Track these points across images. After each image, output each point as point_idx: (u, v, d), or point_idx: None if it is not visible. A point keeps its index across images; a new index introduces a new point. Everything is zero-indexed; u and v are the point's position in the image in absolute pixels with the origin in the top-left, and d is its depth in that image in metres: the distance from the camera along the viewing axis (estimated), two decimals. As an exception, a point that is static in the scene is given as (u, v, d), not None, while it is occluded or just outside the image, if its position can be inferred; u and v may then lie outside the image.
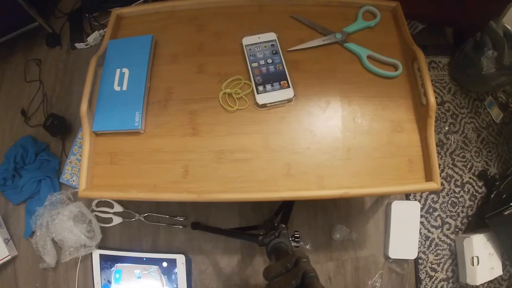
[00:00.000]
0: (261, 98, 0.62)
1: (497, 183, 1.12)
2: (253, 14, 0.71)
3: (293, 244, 0.65)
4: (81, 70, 1.23)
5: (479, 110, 1.23)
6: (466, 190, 1.15)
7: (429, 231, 1.11)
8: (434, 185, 0.58)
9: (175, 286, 1.00)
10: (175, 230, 1.07)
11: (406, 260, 1.07)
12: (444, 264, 1.09)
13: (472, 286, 1.04)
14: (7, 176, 1.07)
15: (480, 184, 1.16)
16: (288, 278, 0.39)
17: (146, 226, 1.07)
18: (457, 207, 1.14)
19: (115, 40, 0.69)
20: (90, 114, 0.63)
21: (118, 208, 1.08)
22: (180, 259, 1.00)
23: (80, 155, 1.05)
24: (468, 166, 1.17)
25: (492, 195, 1.10)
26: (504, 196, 1.06)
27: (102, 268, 1.01)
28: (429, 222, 1.11)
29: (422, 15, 1.15)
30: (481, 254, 1.02)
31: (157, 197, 0.60)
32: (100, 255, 1.02)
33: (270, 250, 0.59)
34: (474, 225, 1.13)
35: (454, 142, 1.18)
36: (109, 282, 1.01)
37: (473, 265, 1.02)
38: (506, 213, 1.00)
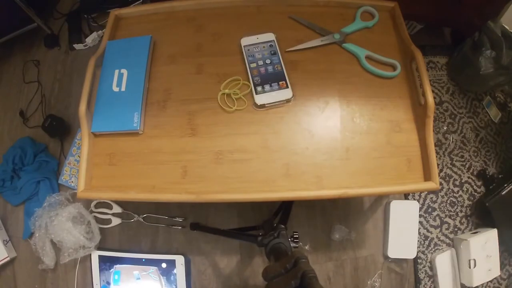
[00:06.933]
0: (260, 99, 0.62)
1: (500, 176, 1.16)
2: (251, 15, 0.71)
3: (292, 244, 0.65)
4: (80, 71, 1.23)
5: (477, 110, 1.23)
6: (465, 189, 1.16)
7: (428, 230, 1.11)
8: (432, 184, 0.58)
9: (174, 287, 1.00)
10: (174, 231, 1.07)
11: (405, 260, 1.07)
12: (443, 263, 1.09)
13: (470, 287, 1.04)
14: (5, 177, 1.07)
15: (479, 183, 1.17)
16: (287, 278, 0.39)
17: (145, 227, 1.07)
18: (456, 207, 1.14)
19: (114, 41, 0.69)
20: (89, 115, 0.62)
21: (117, 209, 1.07)
22: (179, 260, 1.00)
23: (78, 156, 1.05)
24: (467, 166, 1.17)
25: (491, 187, 1.14)
26: (500, 176, 1.13)
27: (101, 269, 1.01)
28: (428, 221, 1.11)
29: (420, 15, 1.15)
30: (478, 256, 1.02)
31: (156, 198, 0.60)
32: (99, 256, 1.01)
33: (269, 251, 0.60)
34: (473, 224, 1.13)
35: (452, 142, 1.18)
36: (108, 283, 1.01)
37: (470, 267, 1.02)
38: (503, 192, 1.05)
